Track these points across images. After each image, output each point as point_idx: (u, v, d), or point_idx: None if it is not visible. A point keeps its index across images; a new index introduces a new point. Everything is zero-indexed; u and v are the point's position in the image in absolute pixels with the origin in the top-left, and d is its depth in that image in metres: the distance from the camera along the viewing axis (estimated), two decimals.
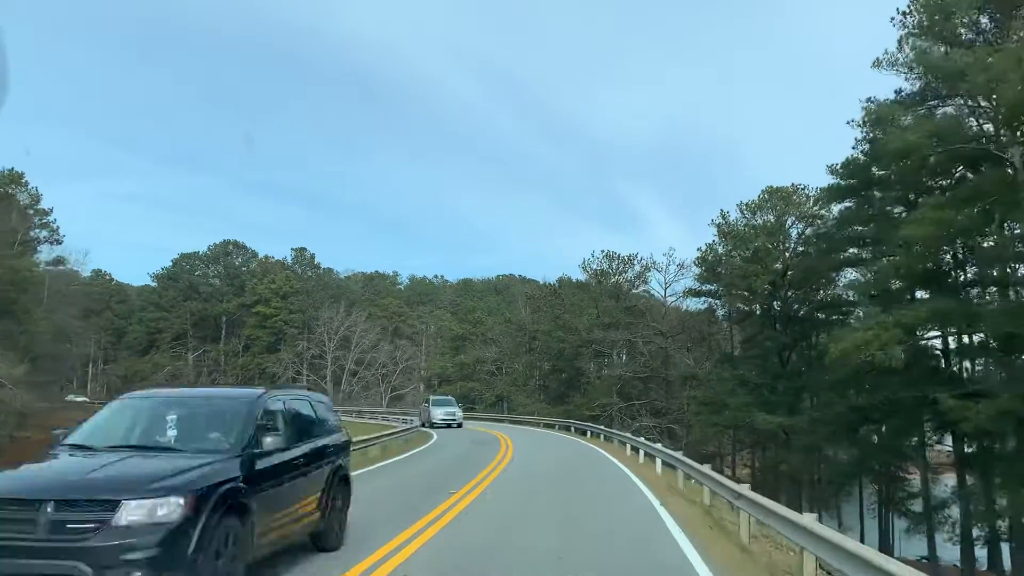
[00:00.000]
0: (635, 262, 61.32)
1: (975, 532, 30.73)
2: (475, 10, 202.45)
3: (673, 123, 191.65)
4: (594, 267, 62.06)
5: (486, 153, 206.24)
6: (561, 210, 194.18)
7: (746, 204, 47.92)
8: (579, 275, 67.34)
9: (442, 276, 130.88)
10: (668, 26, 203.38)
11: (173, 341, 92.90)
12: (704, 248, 49.81)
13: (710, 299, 51.92)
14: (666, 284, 58.77)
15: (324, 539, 8.37)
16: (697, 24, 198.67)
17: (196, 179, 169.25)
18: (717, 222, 48.58)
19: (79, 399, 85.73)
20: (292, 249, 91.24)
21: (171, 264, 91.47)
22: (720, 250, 49.31)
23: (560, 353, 65.07)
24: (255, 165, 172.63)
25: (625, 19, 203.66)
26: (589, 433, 38.59)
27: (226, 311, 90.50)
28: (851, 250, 39.71)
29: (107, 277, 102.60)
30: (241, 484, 6.25)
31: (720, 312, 53.97)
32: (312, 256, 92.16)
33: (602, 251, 61.96)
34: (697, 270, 51.12)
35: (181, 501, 5.50)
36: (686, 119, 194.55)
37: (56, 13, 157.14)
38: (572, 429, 43.23)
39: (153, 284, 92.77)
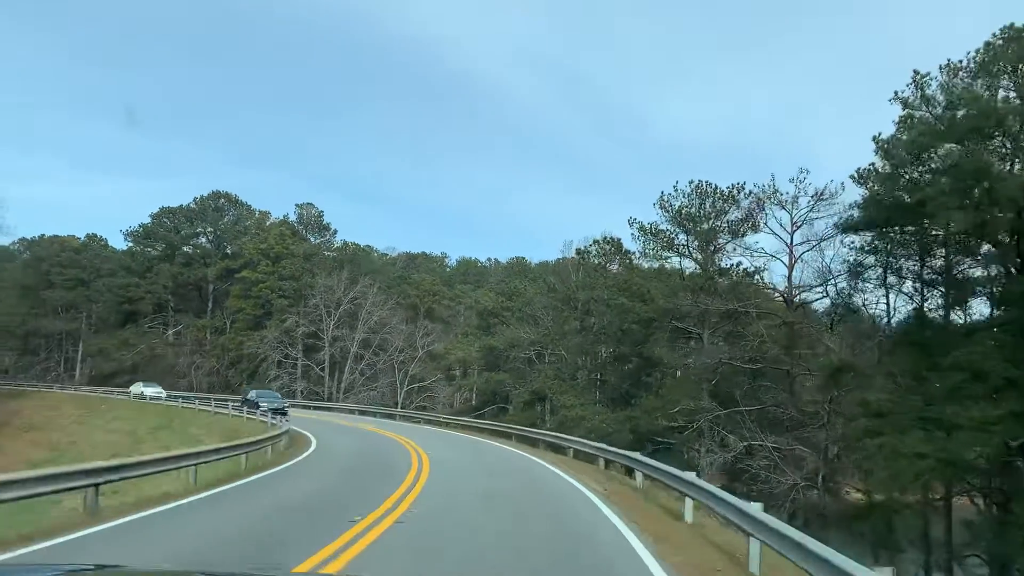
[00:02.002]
0: (740, 196, 40.56)
1: None
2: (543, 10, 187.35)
3: (743, 124, 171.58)
4: (677, 205, 41.48)
5: (550, 151, 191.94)
6: (630, 210, 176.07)
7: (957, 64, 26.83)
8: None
9: (495, 259, 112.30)
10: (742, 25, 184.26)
11: (155, 314, 76.33)
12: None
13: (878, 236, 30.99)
14: (793, 225, 37.91)
15: None
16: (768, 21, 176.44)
17: (269, 175, 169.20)
18: (905, 96, 27.59)
19: None
20: (296, 205, 73.56)
21: (150, 220, 74.66)
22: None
23: (623, 334, 44.96)
24: (314, 161, 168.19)
25: (695, 17, 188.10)
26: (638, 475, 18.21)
27: (209, 278, 73.33)
28: None
29: (101, 241, 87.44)
30: None
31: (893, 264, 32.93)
32: (319, 214, 74.25)
33: (690, 183, 41.40)
34: (857, 194, 30.29)
35: None
36: (757, 120, 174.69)
37: None
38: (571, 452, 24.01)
39: (128, 244, 76.30)
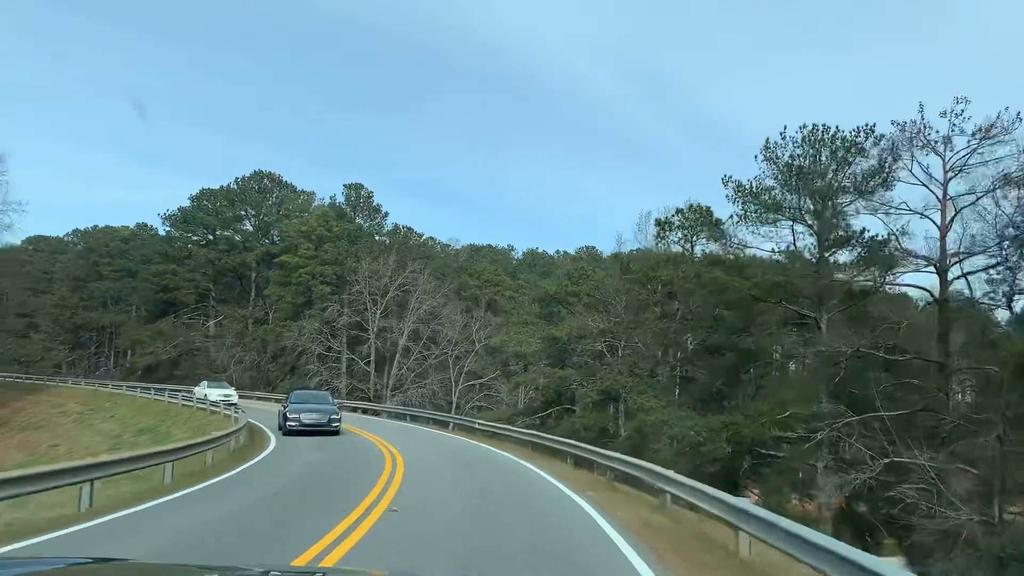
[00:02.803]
0: (868, 143, 31.66)
1: None
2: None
3: (819, 120, 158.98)
4: (786, 156, 32.81)
5: (627, 149, 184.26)
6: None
7: None
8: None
9: (563, 251, 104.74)
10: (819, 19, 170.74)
11: (198, 304, 71.33)
12: None
13: None
14: (947, 174, 28.87)
15: None
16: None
17: (349, 176, 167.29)
18: None
19: None
20: (344, 186, 67.10)
21: (189, 203, 69.55)
22: None
23: (716, 321, 36.57)
24: (397, 164, 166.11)
25: (774, 12, 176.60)
26: None
27: (251, 264, 67.71)
28: None
29: (152, 231, 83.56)
30: None
31: None
32: (369, 195, 67.69)
33: (802, 128, 32.66)
34: None
35: None
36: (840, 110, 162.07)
37: None
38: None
39: (167, 230, 71.32)
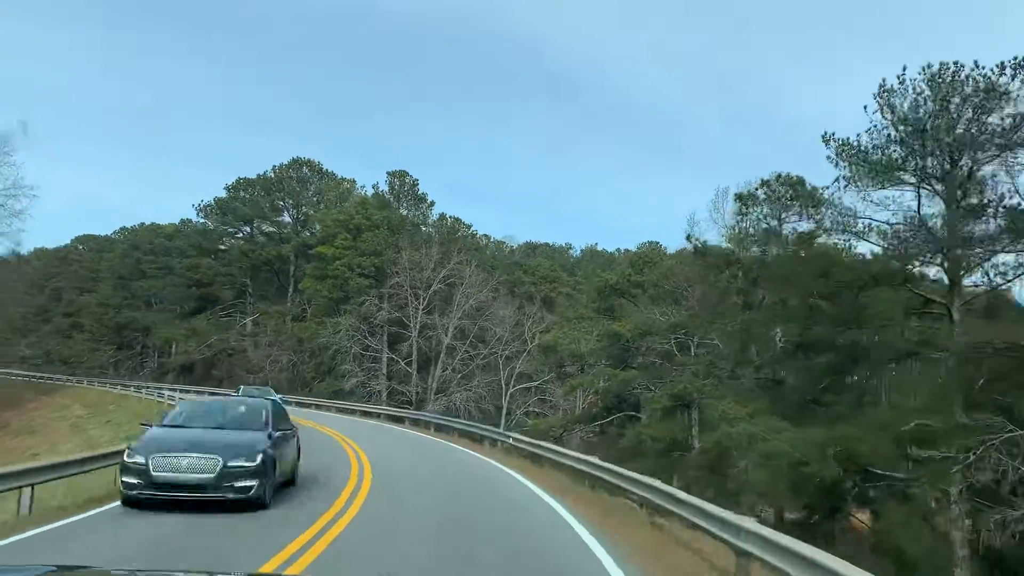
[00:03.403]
0: (1014, 83, 24.97)
1: None
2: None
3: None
4: (905, 105, 26.31)
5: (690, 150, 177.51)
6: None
7: None
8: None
9: (624, 248, 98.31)
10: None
11: (236, 300, 67.64)
12: None
13: None
14: None
15: None
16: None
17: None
18: None
19: None
20: (387, 173, 62.42)
21: (225, 193, 65.91)
22: None
23: (813, 311, 30.18)
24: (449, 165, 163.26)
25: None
26: None
27: (289, 257, 63.54)
28: None
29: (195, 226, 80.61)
30: None
31: None
32: (414, 183, 62.88)
33: (925, 70, 26.08)
34: None
35: None
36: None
37: None
38: None
39: (201, 221, 67.68)
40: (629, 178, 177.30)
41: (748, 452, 27.78)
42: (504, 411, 53.91)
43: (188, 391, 58.25)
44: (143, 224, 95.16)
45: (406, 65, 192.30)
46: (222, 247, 65.87)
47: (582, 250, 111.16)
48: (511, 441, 21.91)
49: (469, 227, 65.51)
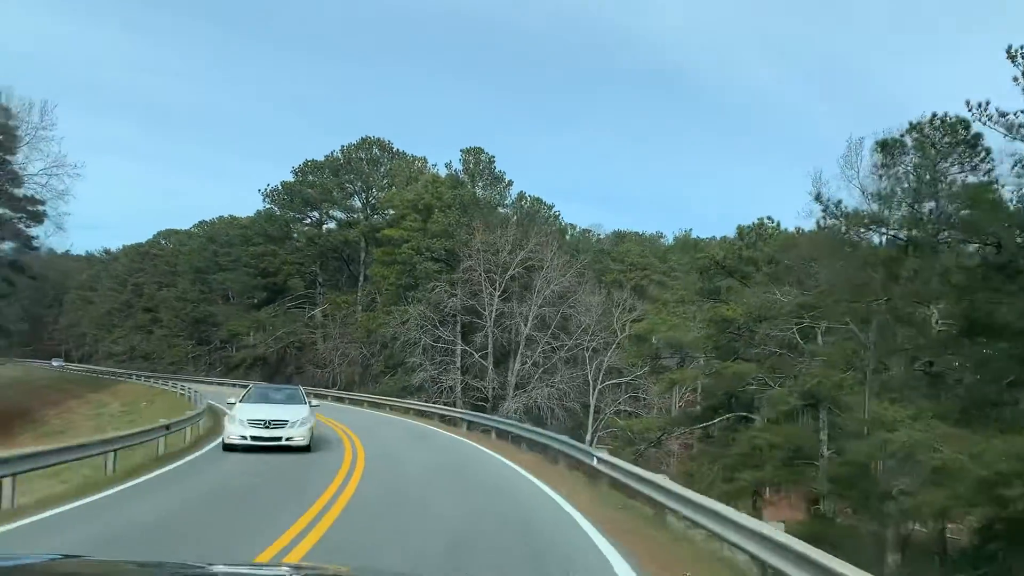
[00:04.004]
0: None
1: None
2: None
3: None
4: None
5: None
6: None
7: None
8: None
9: (722, 236, 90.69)
10: None
11: (307, 290, 64.12)
12: None
13: None
14: None
15: None
16: None
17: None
18: None
19: None
20: (461, 151, 57.38)
21: (292, 177, 62.28)
22: None
23: (986, 277, 23.20)
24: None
25: None
26: None
27: (359, 242, 59.31)
28: None
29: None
30: None
31: None
32: (490, 160, 57.67)
33: None
34: None
35: None
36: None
37: None
38: None
39: (266, 206, 64.27)
40: (724, 168, 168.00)
41: (911, 464, 21.26)
42: (592, 410, 48.16)
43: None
44: (220, 217, 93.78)
45: (488, 50, 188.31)
46: (293, 236, 62.26)
47: (675, 238, 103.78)
48: (596, 463, 14.13)
49: (551, 207, 59.84)
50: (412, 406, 35.28)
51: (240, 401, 18.35)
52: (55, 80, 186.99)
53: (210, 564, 2.52)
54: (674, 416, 41.51)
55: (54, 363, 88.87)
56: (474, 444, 21.96)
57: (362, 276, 59.42)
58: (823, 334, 32.03)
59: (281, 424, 16.78)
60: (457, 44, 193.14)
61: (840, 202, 27.66)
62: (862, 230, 28.60)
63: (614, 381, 49.51)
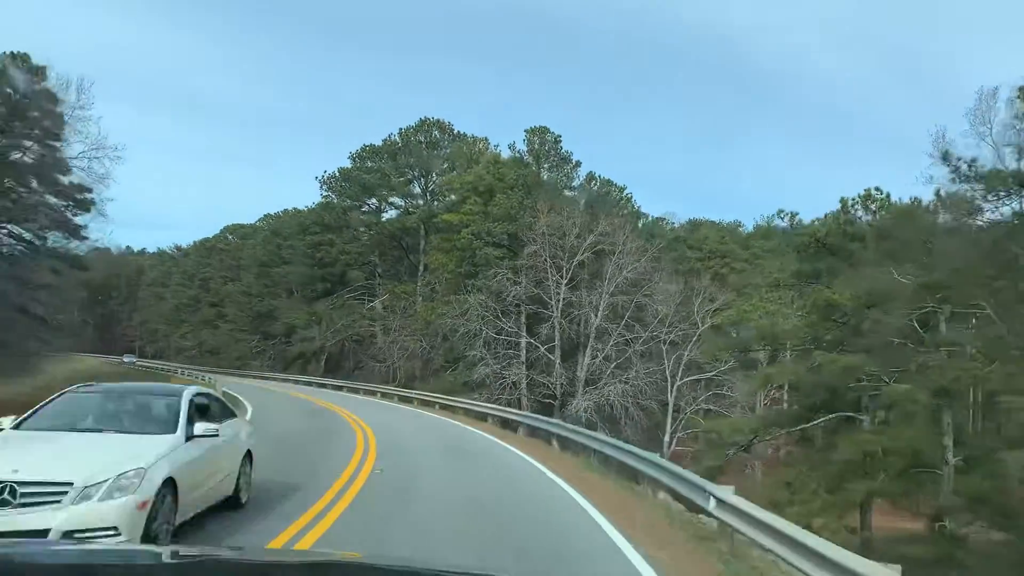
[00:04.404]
0: None
1: None
2: None
3: None
4: None
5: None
6: None
7: None
8: None
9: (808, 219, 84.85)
10: None
11: (367, 281, 61.49)
12: None
13: None
14: None
15: None
16: None
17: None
18: None
19: None
20: (526, 131, 53.64)
21: (349, 163, 59.63)
22: None
23: None
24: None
25: None
26: None
27: (413, 229, 56.23)
28: None
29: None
30: None
31: None
32: (556, 140, 53.77)
33: None
34: None
35: None
36: None
37: None
38: None
39: (323, 194, 61.68)
40: (808, 158, 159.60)
41: None
42: (670, 408, 43.88)
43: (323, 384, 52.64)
44: (285, 210, 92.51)
45: (555, 36, 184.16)
46: (350, 225, 59.65)
47: (755, 226, 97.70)
48: (713, 507, 9.41)
49: (622, 190, 55.48)
50: (466, 404, 31.41)
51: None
52: (135, 83, 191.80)
53: (220, 549, 2.98)
54: (767, 416, 36.88)
55: (125, 359, 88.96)
56: (531, 460, 16.63)
57: (422, 265, 56.31)
58: (947, 320, 27.12)
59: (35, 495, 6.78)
60: (520, 26, 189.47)
61: (975, 161, 22.76)
62: (1003, 193, 23.63)
63: (694, 377, 45.04)
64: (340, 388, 46.38)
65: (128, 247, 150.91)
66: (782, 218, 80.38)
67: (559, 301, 43.68)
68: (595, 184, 53.65)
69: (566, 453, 18.70)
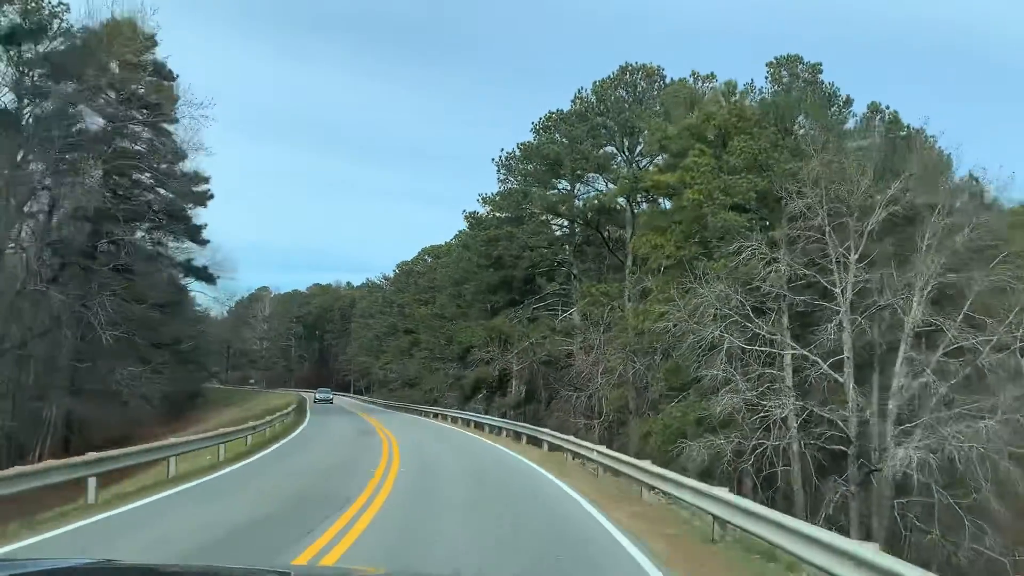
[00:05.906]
0: None
1: None
2: None
3: None
4: None
5: None
6: None
7: None
8: None
9: None
10: None
11: (563, 284, 48.12)
12: None
13: None
14: None
15: None
16: None
17: None
18: None
19: None
20: (767, 64, 37.44)
21: (533, 136, 46.23)
22: None
23: None
24: None
25: None
26: None
27: (613, 209, 41.74)
28: None
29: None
30: None
31: None
32: (813, 68, 37.18)
33: None
34: None
35: None
36: None
37: None
38: None
39: (502, 176, 48.42)
40: None
41: None
42: None
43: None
44: (473, 212, 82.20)
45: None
46: (534, 213, 45.84)
47: None
48: None
49: (921, 131, 37.48)
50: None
51: None
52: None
53: (235, 567, 2.89)
54: None
55: (317, 395, 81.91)
56: None
57: (629, 258, 41.73)
58: None
59: None
60: None
61: None
62: None
63: None
64: (520, 436, 32.27)
65: (348, 283, 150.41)
66: None
67: (847, 288, 27.34)
68: (885, 115, 36.25)
69: None
